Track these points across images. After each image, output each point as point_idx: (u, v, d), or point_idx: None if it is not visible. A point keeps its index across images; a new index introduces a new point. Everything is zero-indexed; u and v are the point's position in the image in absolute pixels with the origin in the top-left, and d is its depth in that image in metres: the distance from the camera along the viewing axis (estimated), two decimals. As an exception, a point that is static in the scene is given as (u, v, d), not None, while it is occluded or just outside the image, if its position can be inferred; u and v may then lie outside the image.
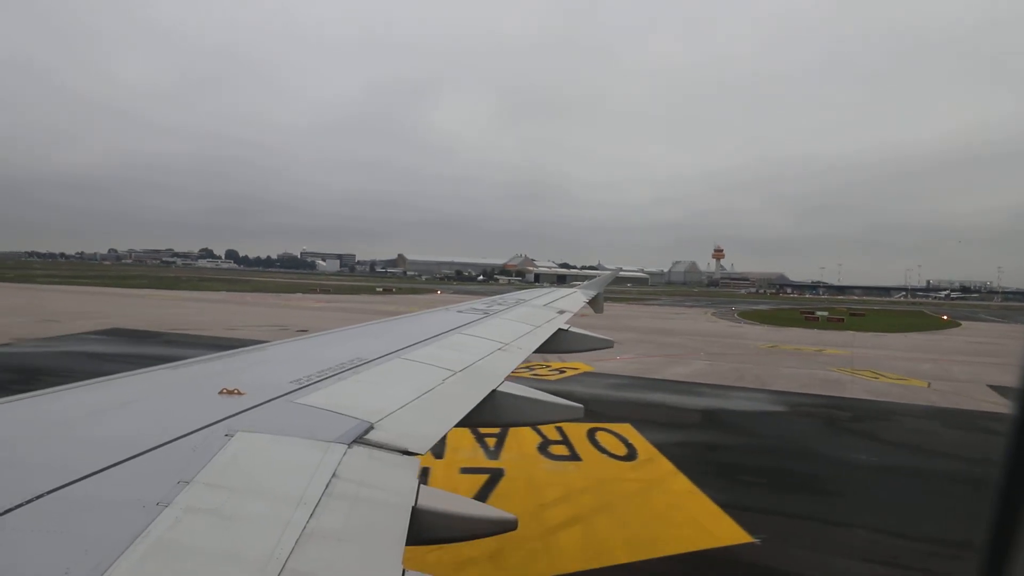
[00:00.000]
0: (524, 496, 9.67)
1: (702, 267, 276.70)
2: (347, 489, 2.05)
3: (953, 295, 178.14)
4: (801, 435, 14.67)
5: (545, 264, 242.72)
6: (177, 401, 2.84)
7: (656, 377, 21.46)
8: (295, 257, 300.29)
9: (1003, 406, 17.84)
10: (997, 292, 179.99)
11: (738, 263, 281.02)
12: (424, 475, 10.35)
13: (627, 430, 13.61)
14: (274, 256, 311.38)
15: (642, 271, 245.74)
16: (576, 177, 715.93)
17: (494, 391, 3.82)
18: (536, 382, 19.19)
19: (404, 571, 1.69)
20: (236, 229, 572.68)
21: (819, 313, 62.58)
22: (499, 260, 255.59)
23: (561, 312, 8.25)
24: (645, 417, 15.02)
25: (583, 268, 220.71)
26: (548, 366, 21.85)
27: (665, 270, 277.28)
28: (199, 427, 2.35)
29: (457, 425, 3.22)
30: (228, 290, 74.88)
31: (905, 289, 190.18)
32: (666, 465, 11.45)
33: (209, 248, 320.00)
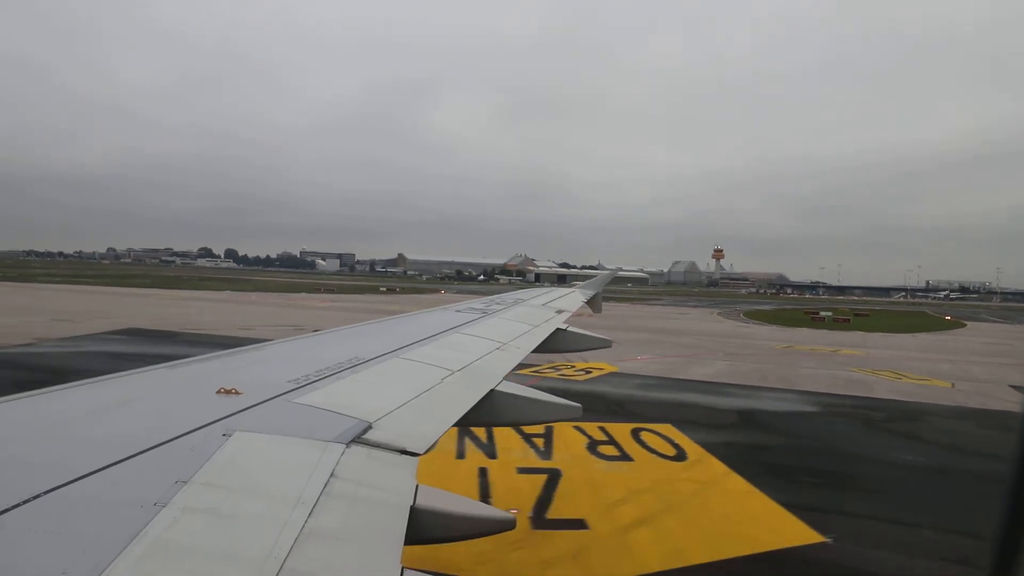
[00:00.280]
0: (588, 496, 9.65)
1: (702, 267, 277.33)
2: (345, 489, 2.05)
3: (952, 296, 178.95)
4: (842, 436, 14.69)
5: (545, 264, 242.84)
6: (175, 401, 2.82)
7: (681, 377, 21.49)
8: (295, 256, 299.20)
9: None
10: (996, 292, 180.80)
11: (738, 263, 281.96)
12: (483, 475, 10.23)
13: (670, 430, 13.61)
14: (273, 255, 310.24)
15: (642, 271, 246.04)
16: (576, 177, 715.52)
17: (492, 391, 3.83)
18: (563, 382, 19.25)
19: (403, 570, 1.69)
20: (236, 228, 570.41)
21: (824, 313, 62.79)
22: (499, 260, 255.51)
23: (559, 312, 8.24)
24: (683, 417, 15.03)
25: (583, 268, 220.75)
26: (573, 366, 21.86)
27: (665, 270, 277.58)
28: (197, 427, 2.34)
29: (455, 425, 3.20)
30: (230, 289, 74.63)
31: (905, 289, 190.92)
32: (718, 465, 11.45)
33: (208, 247, 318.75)
